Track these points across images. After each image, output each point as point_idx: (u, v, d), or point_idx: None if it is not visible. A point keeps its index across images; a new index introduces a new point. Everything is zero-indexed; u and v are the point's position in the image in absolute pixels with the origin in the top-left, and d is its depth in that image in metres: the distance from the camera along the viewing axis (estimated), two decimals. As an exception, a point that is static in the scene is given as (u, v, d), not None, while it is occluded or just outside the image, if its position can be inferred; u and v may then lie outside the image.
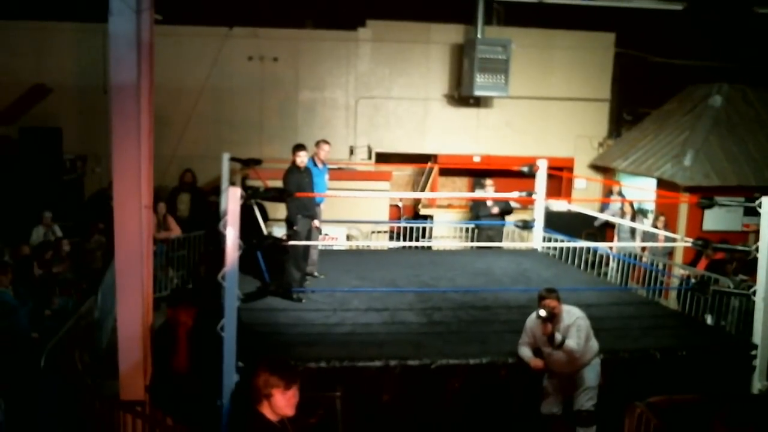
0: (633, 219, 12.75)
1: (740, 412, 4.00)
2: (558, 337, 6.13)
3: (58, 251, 10.48)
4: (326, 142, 9.28)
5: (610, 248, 11.34)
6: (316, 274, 9.24)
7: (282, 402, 3.78)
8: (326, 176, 9.22)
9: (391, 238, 13.09)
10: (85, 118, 13.25)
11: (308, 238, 8.63)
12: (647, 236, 11.87)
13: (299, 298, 8.10)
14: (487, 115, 14.88)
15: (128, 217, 5.68)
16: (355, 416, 6.10)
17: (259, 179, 10.92)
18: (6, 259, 9.94)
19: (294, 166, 8.58)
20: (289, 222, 8.58)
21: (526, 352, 6.46)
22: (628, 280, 10.59)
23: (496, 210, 12.30)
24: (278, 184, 8.46)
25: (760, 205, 7.07)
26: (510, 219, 12.22)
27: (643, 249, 11.76)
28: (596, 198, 14.70)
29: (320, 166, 9.05)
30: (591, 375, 6.29)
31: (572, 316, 6.26)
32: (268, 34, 13.94)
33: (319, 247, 9.80)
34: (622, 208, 13.06)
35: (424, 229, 12.81)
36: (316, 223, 8.79)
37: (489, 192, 12.41)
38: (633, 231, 12.19)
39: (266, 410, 3.82)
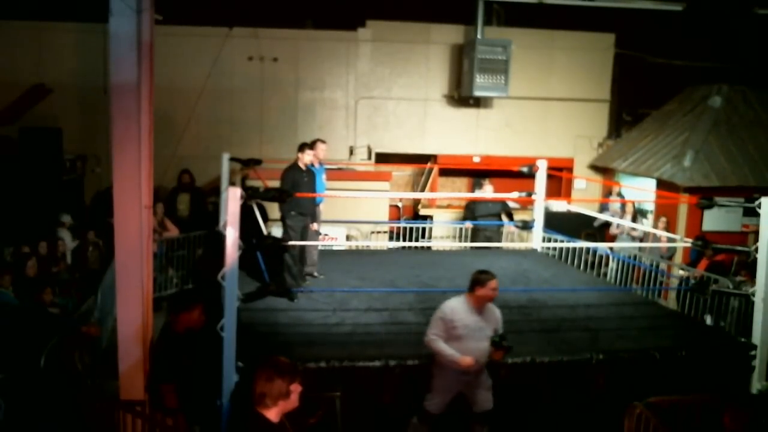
0: (633, 219, 12.75)
1: (745, 402, 4.10)
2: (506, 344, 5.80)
3: (55, 251, 10.49)
4: (323, 141, 9.27)
5: (610, 248, 11.35)
6: (316, 274, 9.24)
7: (296, 396, 3.93)
8: (324, 176, 9.21)
9: (390, 239, 13.09)
10: (85, 118, 13.24)
11: (303, 237, 8.57)
12: (646, 237, 11.88)
13: (292, 297, 8.09)
14: (486, 115, 14.88)
15: (128, 217, 5.68)
16: (355, 416, 6.11)
17: (259, 179, 10.92)
18: (8, 259, 9.95)
19: (295, 164, 8.57)
20: (284, 221, 8.57)
21: (447, 348, 5.86)
22: (627, 280, 10.59)
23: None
24: (278, 183, 8.46)
25: (759, 206, 7.08)
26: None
27: (640, 249, 11.75)
28: (596, 198, 14.70)
29: (317, 165, 9.04)
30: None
31: (495, 309, 6.09)
32: (268, 34, 13.92)
33: (319, 247, 9.80)
34: (622, 209, 13.06)
35: (423, 229, 12.82)
36: (314, 226, 8.77)
37: (487, 191, 12.39)
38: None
39: (269, 412, 3.83)
